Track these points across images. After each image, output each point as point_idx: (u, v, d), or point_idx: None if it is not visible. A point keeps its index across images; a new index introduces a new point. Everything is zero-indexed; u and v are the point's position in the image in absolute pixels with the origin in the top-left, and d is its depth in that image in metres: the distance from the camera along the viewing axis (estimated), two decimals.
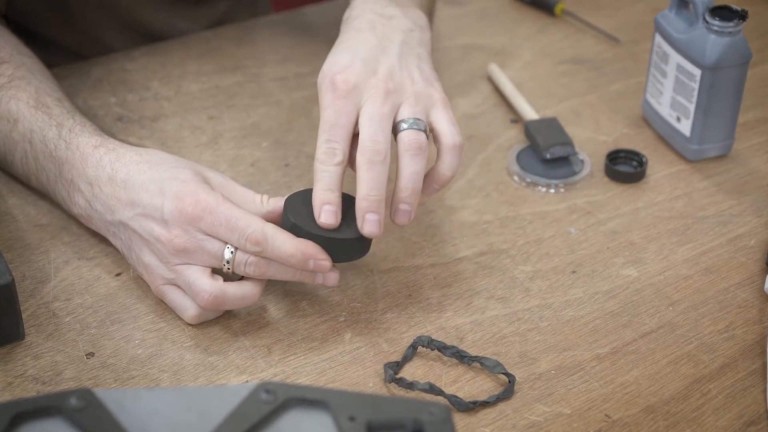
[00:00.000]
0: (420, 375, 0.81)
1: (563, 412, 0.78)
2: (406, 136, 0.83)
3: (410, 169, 0.82)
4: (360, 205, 0.81)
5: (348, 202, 0.83)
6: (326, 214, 0.81)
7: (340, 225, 0.82)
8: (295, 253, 0.80)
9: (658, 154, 1.05)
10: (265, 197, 0.85)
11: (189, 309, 0.83)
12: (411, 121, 0.84)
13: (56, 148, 0.89)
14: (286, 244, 0.80)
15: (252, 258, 0.81)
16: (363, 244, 0.83)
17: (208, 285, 0.81)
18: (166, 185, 0.82)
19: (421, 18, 0.95)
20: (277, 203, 0.84)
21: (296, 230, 0.81)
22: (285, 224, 0.82)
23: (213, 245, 0.81)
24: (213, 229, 0.81)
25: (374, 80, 0.85)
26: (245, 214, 0.81)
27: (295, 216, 0.81)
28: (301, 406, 0.62)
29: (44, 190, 0.93)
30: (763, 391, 0.80)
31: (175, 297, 0.83)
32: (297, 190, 0.85)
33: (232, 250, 0.81)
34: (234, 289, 0.82)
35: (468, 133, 1.08)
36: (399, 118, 0.84)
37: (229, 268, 0.81)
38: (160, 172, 0.83)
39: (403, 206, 0.82)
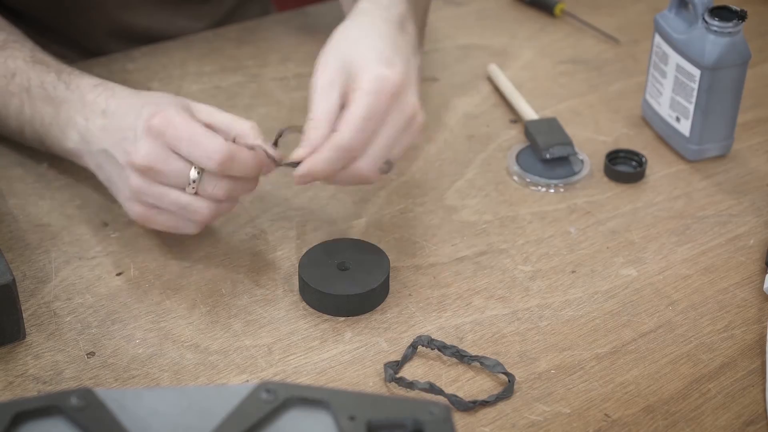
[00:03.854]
0: (420, 375, 0.81)
1: (563, 412, 0.78)
2: None
3: None
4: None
5: (359, 250, 0.88)
6: None
7: (350, 278, 0.86)
8: (259, 163, 0.84)
9: (657, 154, 1.05)
10: (255, 129, 0.85)
11: (189, 224, 0.85)
12: None
13: (55, 89, 0.92)
14: (250, 159, 0.83)
15: (221, 182, 0.82)
16: (383, 292, 0.87)
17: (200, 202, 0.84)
18: (143, 109, 0.85)
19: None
20: (259, 143, 0.84)
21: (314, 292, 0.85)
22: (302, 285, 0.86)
23: (178, 165, 0.82)
24: (177, 144, 0.82)
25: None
26: (210, 134, 0.82)
27: (309, 277, 0.86)
28: (301, 405, 0.62)
29: (37, 137, 0.94)
30: (762, 390, 0.80)
31: (167, 219, 0.85)
32: (309, 249, 0.88)
33: (199, 170, 0.82)
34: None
35: (468, 133, 1.08)
36: None
37: (194, 188, 0.82)
38: (142, 101, 0.87)
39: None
